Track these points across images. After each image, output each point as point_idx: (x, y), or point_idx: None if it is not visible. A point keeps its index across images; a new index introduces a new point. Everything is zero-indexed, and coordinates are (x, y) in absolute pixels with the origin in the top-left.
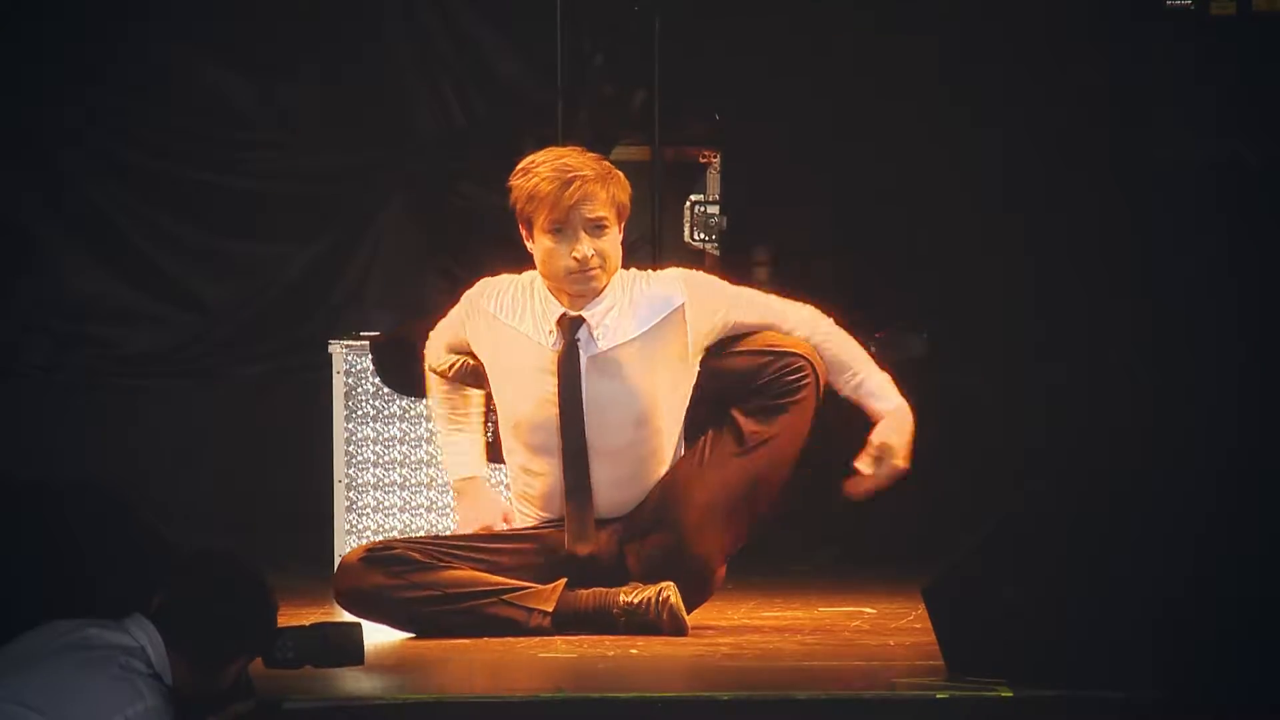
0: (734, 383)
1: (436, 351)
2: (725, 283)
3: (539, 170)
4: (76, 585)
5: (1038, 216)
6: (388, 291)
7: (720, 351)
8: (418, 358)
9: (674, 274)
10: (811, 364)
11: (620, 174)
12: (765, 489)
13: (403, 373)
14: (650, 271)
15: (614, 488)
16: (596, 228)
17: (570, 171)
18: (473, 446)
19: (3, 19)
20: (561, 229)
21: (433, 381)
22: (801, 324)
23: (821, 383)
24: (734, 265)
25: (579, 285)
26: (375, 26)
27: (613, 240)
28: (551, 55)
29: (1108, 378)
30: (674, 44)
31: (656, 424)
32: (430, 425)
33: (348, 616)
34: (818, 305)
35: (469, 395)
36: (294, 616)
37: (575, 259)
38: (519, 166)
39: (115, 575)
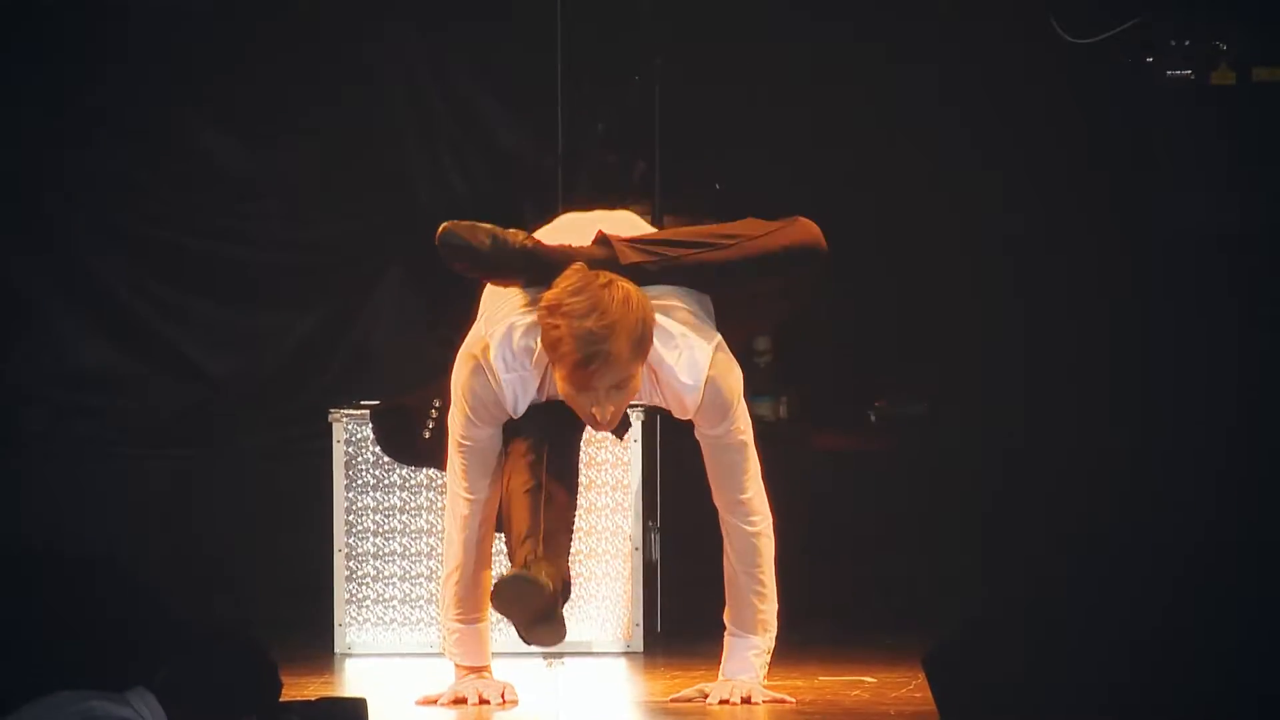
0: None
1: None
2: (730, 423)
3: (562, 327)
4: (80, 656)
5: (1040, 284)
6: (388, 361)
7: None
8: (417, 427)
9: (699, 372)
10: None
11: (646, 308)
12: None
13: (403, 442)
14: (677, 358)
15: None
16: (617, 388)
17: (594, 344)
18: (482, 637)
19: (5, 82)
20: (581, 390)
21: (449, 575)
22: (751, 514)
23: None
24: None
25: (595, 428)
26: (376, 94)
27: (635, 384)
28: (552, 123)
29: (1108, 439)
30: (674, 114)
31: None
32: (437, 613)
33: (351, 690)
34: (817, 377)
35: (482, 591)
36: (295, 686)
37: (594, 413)
38: (547, 299)
39: (118, 647)
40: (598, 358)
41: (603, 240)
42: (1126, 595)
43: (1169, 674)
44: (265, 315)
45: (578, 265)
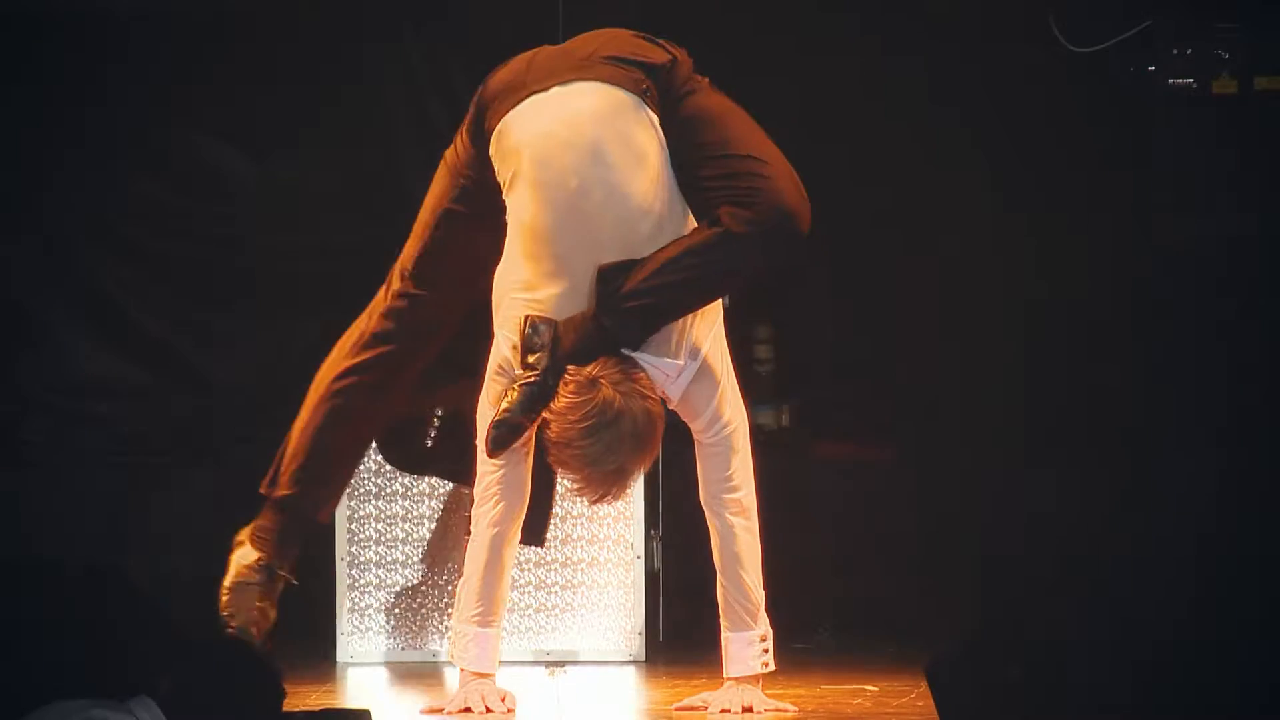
0: None
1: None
2: (712, 417)
3: (577, 471)
4: (82, 666)
5: (1041, 293)
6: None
7: None
8: (420, 435)
9: (678, 389)
10: None
11: (654, 421)
12: None
13: (405, 450)
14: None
15: None
16: None
17: (610, 485)
18: (493, 643)
19: (5, 93)
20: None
21: (469, 576)
22: (733, 503)
23: None
24: (736, 341)
25: None
26: (376, 103)
27: None
28: None
29: (1108, 446)
30: None
31: None
32: (451, 621)
33: (354, 699)
34: (819, 386)
35: (502, 591)
36: (298, 695)
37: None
38: (557, 434)
39: (120, 656)
40: (612, 493)
41: (599, 324)
42: (1126, 606)
43: (1169, 685)
44: (267, 323)
45: (577, 383)
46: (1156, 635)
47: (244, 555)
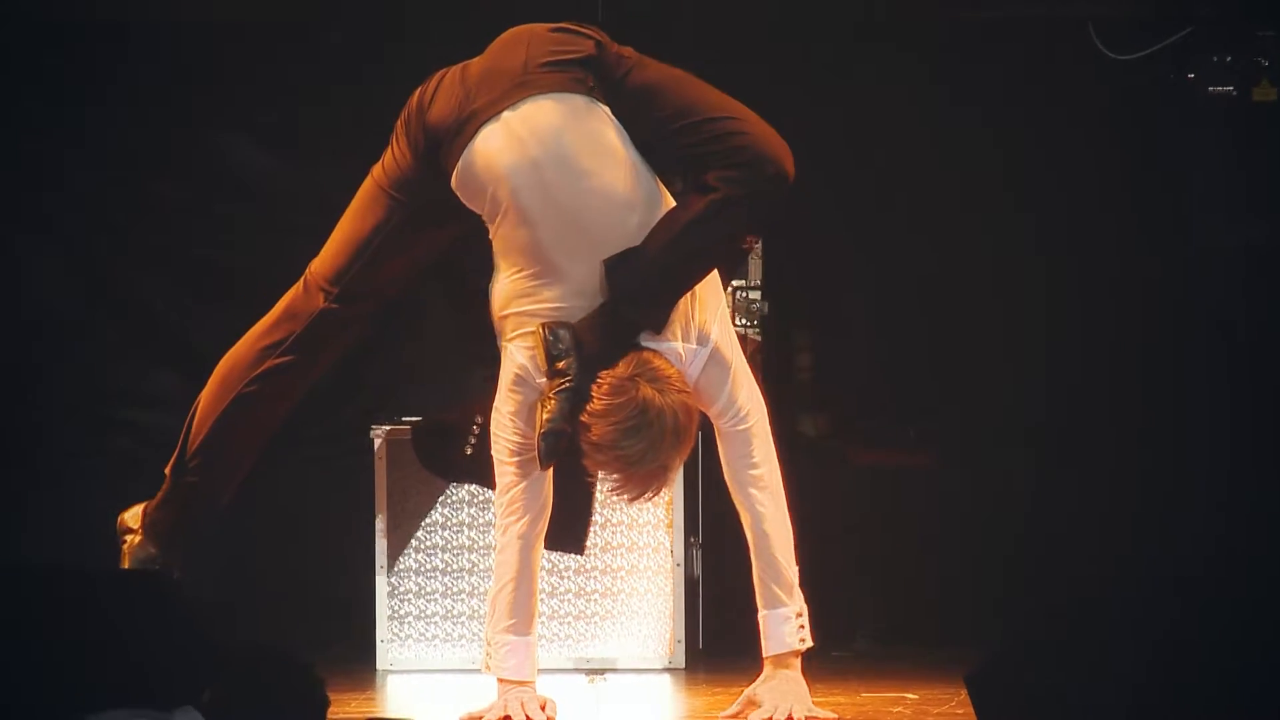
0: None
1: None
2: (729, 403)
3: (618, 471)
4: (127, 676)
5: (1080, 301)
6: (426, 376)
7: None
8: (459, 443)
9: (690, 380)
10: None
11: (691, 415)
12: None
13: (445, 458)
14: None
15: None
16: None
17: (650, 483)
18: (530, 651)
19: (30, 102)
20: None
21: (502, 586)
22: (756, 470)
23: None
24: (776, 349)
25: None
26: (399, 105)
27: None
28: None
29: (1147, 453)
30: None
31: None
32: (484, 628)
33: (396, 710)
34: (858, 390)
35: (534, 599)
36: (338, 703)
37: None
38: (598, 436)
39: (165, 666)
40: (651, 489)
41: (617, 316)
42: (1173, 612)
43: (1217, 694)
44: None
45: (611, 385)
46: (1207, 641)
47: (141, 549)
